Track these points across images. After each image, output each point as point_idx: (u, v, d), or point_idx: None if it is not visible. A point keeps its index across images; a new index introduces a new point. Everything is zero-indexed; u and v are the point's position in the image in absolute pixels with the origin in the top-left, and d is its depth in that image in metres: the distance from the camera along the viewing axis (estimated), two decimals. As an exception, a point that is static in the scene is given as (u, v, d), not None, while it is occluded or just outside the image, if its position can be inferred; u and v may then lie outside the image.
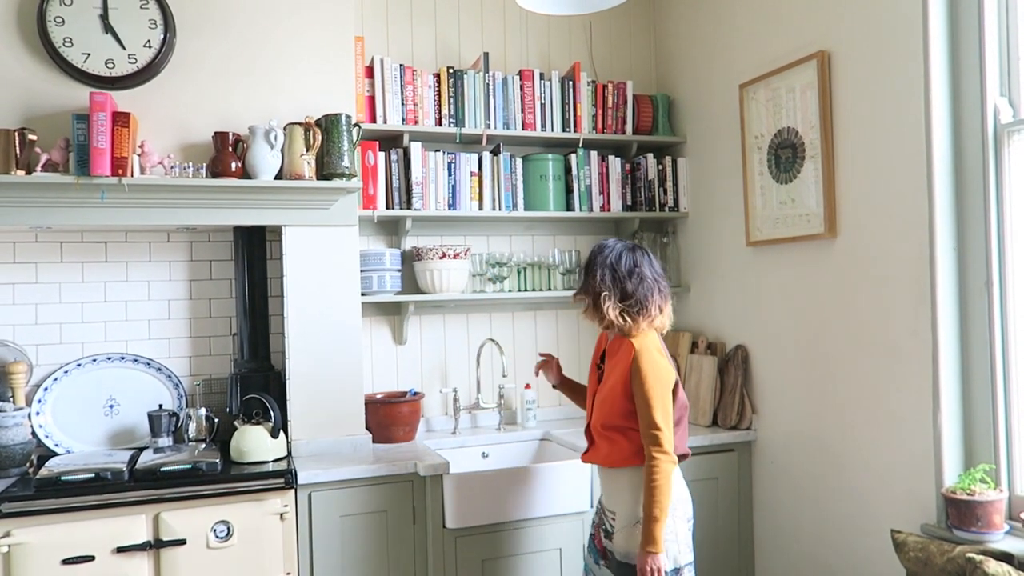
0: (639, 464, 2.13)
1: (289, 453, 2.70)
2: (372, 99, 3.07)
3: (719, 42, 3.23)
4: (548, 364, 2.62)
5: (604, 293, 2.18)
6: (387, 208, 3.07)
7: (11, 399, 2.61)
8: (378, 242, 3.23)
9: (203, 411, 2.77)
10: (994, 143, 2.23)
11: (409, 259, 3.21)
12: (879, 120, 2.47)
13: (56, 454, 2.67)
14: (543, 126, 3.30)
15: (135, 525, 2.29)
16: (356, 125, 2.78)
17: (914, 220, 2.35)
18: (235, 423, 2.72)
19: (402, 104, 3.10)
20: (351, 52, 2.91)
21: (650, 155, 3.46)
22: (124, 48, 2.58)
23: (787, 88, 2.82)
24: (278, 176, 2.67)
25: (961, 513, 2.16)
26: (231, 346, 2.98)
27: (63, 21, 2.52)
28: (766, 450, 3.02)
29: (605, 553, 2.23)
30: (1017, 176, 2.21)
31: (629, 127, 3.44)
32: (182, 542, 2.31)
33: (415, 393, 3.17)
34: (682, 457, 2.24)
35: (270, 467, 2.53)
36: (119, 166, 2.43)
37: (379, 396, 3.11)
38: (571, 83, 3.34)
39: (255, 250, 2.87)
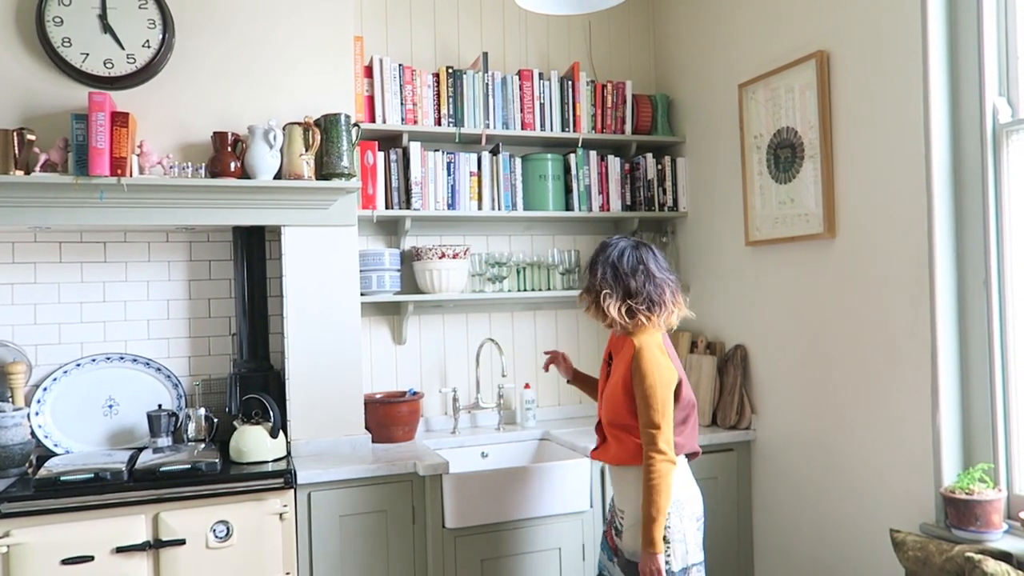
0: None
1: (288, 453, 2.70)
2: (371, 99, 3.07)
3: (718, 42, 3.23)
4: (556, 358, 2.61)
5: (605, 291, 2.17)
6: (386, 208, 3.07)
7: (10, 399, 2.61)
8: (377, 242, 3.23)
9: (202, 411, 2.76)
10: (993, 143, 2.23)
11: (408, 259, 3.21)
12: (878, 120, 2.47)
13: (55, 454, 2.67)
14: (542, 126, 3.30)
15: (134, 525, 2.29)
16: (355, 125, 2.78)
17: (913, 220, 2.35)
18: (234, 423, 2.72)
19: (401, 104, 3.10)
20: (350, 52, 2.91)
21: (649, 155, 3.46)
22: (123, 48, 2.58)
23: (786, 88, 2.82)
24: (277, 176, 2.67)
25: (960, 512, 2.16)
26: (230, 346, 2.98)
27: (62, 21, 2.52)
28: (765, 450, 3.02)
29: (617, 550, 2.23)
30: (1016, 176, 2.21)
31: (628, 127, 3.44)
32: (181, 542, 2.31)
33: (414, 393, 3.17)
34: (692, 455, 2.23)
35: (269, 467, 2.53)
36: (118, 166, 2.43)
37: (378, 396, 3.11)
38: (570, 83, 3.34)
39: (254, 250, 2.87)
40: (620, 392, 2.16)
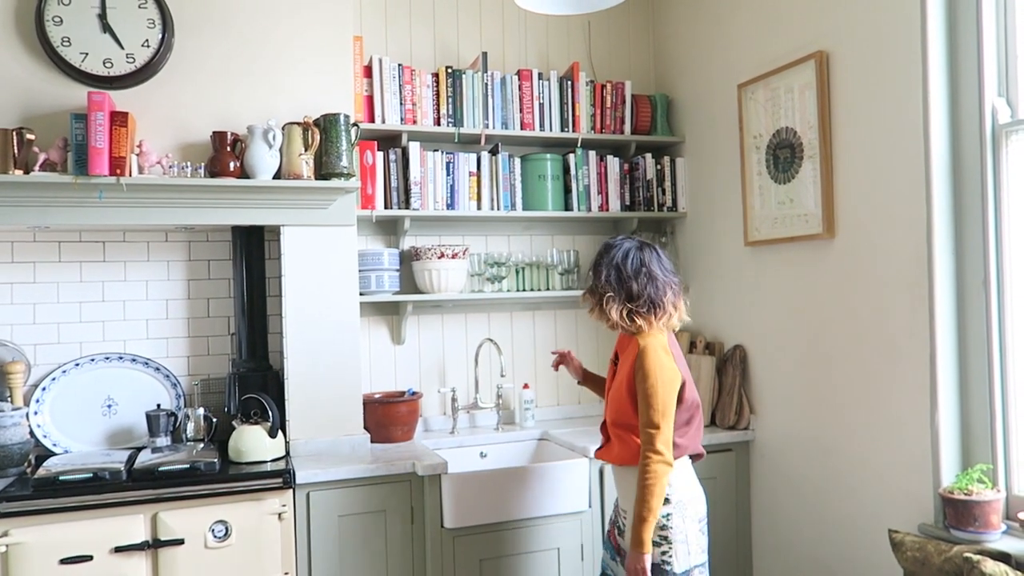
0: None
1: (287, 453, 2.70)
2: (371, 99, 3.07)
3: (718, 42, 3.23)
4: (565, 358, 2.59)
5: (609, 294, 2.16)
6: (385, 208, 3.07)
7: (9, 399, 2.61)
8: (376, 242, 3.23)
9: (201, 411, 2.76)
10: (992, 143, 2.23)
11: (407, 259, 3.21)
12: (877, 120, 2.47)
13: (54, 454, 2.67)
14: (541, 126, 3.30)
15: (133, 525, 2.29)
16: (355, 125, 2.78)
17: (912, 220, 2.35)
18: (233, 423, 2.72)
19: (400, 104, 3.10)
20: (350, 52, 2.91)
21: (648, 155, 3.46)
22: (122, 48, 2.58)
23: (786, 88, 2.82)
24: (276, 176, 2.67)
25: (959, 513, 2.16)
26: (229, 346, 2.98)
27: (61, 20, 2.52)
28: (764, 450, 3.02)
29: (620, 550, 2.23)
30: (1015, 176, 2.21)
31: (627, 127, 3.44)
32: (180, 542, 2.30)
33: (413, 393, 3.17)
34: (696, 457, 2.23)
35: (268, 467, 2.53)
36: (117, 166, 2.42)
37: (377, 396, 3.11)
38: (570, 83, 3.34)
39: (253, 250, 2.87)
40: (624, 392, 2.16)
